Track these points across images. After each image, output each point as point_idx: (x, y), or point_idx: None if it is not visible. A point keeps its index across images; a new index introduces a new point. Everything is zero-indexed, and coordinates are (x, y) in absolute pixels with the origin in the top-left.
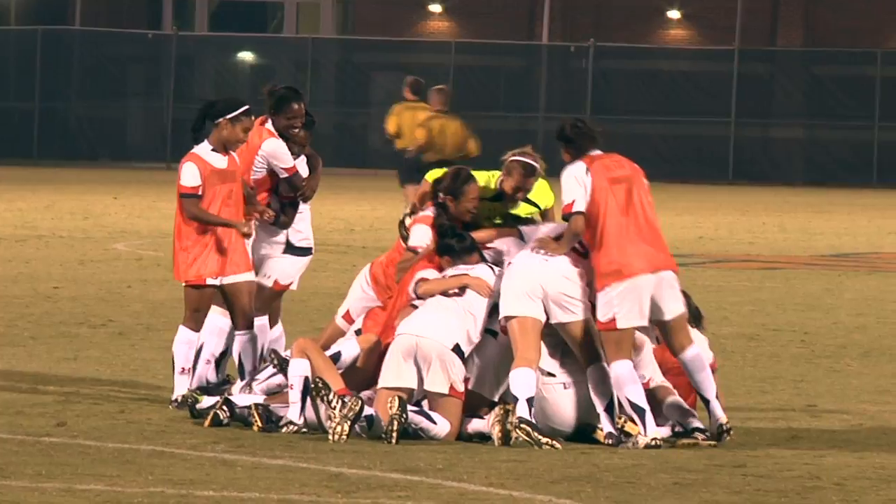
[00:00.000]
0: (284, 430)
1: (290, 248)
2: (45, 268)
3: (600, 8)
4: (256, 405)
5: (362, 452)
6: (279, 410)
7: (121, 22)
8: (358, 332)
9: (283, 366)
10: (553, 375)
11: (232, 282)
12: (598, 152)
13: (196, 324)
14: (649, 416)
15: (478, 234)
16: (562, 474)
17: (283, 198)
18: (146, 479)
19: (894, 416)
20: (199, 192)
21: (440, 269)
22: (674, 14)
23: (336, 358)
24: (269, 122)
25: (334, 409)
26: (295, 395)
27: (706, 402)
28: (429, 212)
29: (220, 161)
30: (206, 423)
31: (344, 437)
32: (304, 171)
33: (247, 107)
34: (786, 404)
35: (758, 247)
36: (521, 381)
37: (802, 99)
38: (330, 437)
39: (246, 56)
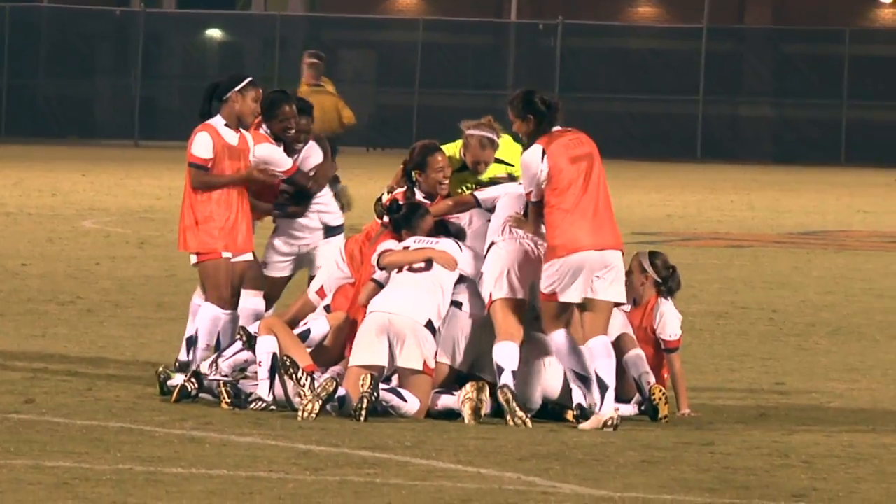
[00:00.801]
0: (253, 406)
1: (329, 231)
2: (13, 245)
3: None
4: (225, 382)
5: (330, 430)
6: (248, 388)
7: None
8: (328, 309)
9: (251, 342)
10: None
11: (235, 260)
12: (557, 128)
13: (221, 301)
14: (602, 391)
15: (435, 208)
16: (530, 451)
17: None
18: (114, 457)
19: (862, 394)
20: (209, 166)
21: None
22: None
23: (305, 335)
24: (263, 126)
25: (303, 385)
26: (263, 372)
27: (604, 388)
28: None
29: (232, 137)
30: (174, 396)
31: (314, 415)
32: (317, 158)
33: (250, 78)
34: (754, 382)
35: (726, 225)
36: (505, 354)
37: (771, 77)
38: (299, 414)
39: (214, 33)
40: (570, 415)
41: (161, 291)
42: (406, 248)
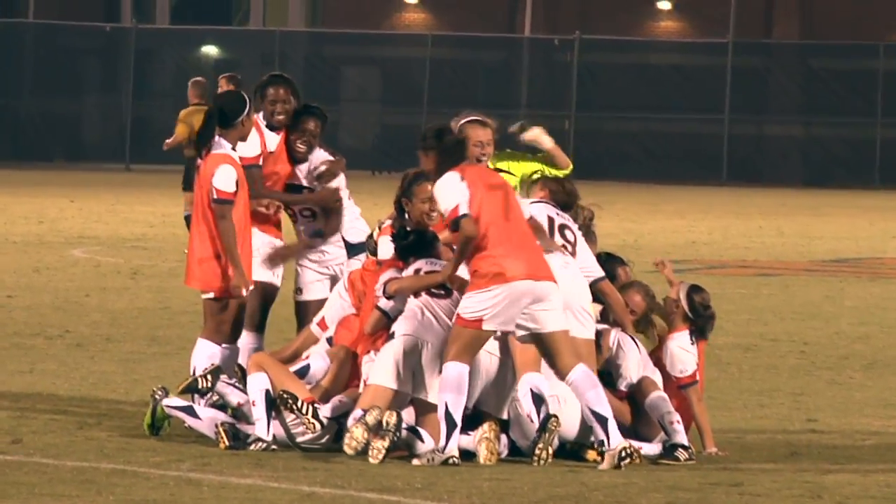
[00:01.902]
0: (252, 447)
1: (350, 249)
2: None
3: None
4: (222, 423)
5: (335, 471)
6: (246, 429)
7: (77, 14)
8: (330, 342)
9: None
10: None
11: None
12: (465, 163)
13: (220, 336)
14: (456, 433)
15: (443, 236)
16: (547, 493)
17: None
18: (106, 500)
19: None
20: (234, 199)
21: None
22: (664, 5)
23: (304, 371)
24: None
25: (306, 414)
26: (259, 410)
27: (603, 420)
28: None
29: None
30: (181, 386)
31: (382, 455)
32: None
33: (250, 102)
34: (784, 419)
35: (754, 252)
36: (538, 383)
37: (800, 94)
38: (370, 457)
39: (210, 50)
40: (591, 455)
41: (155, 325)
42: (417, 270)
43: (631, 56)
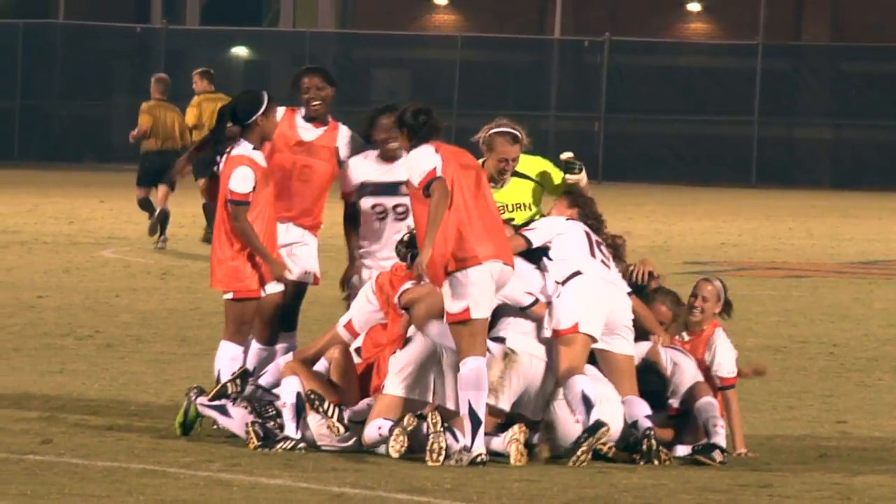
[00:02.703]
0: (281, 446)
1: None
2: (29, 276)
3: (616, 0)
4: (252, 422)
5: (365, 471)
6: (275, 429)
7: (107, 15)
8: (358, 352)
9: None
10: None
11: (268, 293)
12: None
13: (242, 337)
14: (481, 430)
15: None
16: (577, 495)
17: None
18: (137, 500)
19: None
20: (250, 200)
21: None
22: (693, 7)
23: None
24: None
25: (331, 417)
26: (289, 411)
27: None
28: None
29: (262, 160)
30: (211, 394)
31: (442, 456)
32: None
33: (268, 97)
34: (814, 421)
35: (783, 254)
36: (586, 386)
37: (829, 97)
38: (390, 452)
39: (240, 51)
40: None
41: (185, 325)
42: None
43: (660, 58)
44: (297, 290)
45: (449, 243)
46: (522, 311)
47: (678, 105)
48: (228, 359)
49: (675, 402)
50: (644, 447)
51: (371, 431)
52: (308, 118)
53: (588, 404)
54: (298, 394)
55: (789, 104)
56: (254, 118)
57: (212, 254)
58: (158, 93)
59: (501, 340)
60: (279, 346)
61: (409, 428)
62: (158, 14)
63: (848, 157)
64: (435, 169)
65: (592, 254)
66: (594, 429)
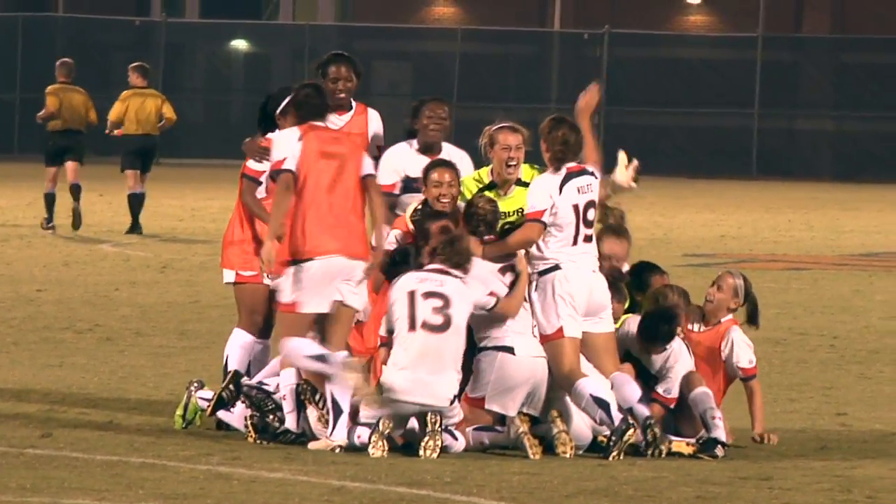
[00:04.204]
0: (282, 439)
1: None
2: (28, 269)
3: None
4: (251, 416)
5: (365, 465)
6: (274, 422)
7: (106, 8)
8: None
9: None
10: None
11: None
12: (321, 124)
13: (254, 326)
14: (343, 419)
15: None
16: (577, 487)
17: None
18: (136, 494)
19: None
20: (262, 179)
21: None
22: None
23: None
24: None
25: (323, 409)
26: (289, 404)
27: (337, 413)
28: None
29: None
30: (210, 408)
31: (438, 451)
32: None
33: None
34: (814, 413)
35: (783, 246)
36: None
37: (830, 88)
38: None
39: (239, 44)
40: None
41: (184, 318)
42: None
43: (660, 50)
44: None
45: (297, 234)
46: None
47: (678, 97)
48: (238, 346)
49: (660, 388)
50: (648, 437)
51: (351, 437)
52: (332, 106)
53: (603, 404)
54: (297, 386)
55: (790, 96)
56: (276, 114)
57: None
58: (63, 76)
59: (510, 350)
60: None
61: (386, 432)
62: (158, 7)
63: (849, 149)
64: (284, 160)
65: (576, 234)
66: (622, 431)
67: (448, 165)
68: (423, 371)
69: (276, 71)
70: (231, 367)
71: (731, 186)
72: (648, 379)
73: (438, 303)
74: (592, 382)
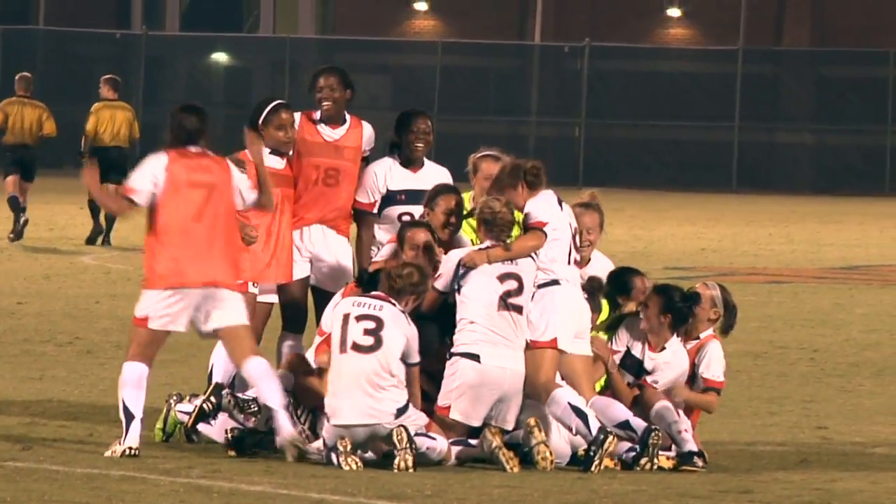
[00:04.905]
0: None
1: None
2: (8, 282)
3: (596, 5)
4: (232, 429)
5: (346, 478)
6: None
7: (87, 21)
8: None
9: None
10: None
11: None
12: (195, 149)
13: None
14: (135, 424)
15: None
16: (558, 500)
17: None
18: None
19: None
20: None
21: None
22: (674, 12)
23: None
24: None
25: (303, 424)
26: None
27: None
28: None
29: (275, 161)
30: (190, 420)
31: (411, 466)
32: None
33: (273, 104)
34: (795, 426)
35: (763, 259)
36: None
37: (810, 102)
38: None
39: (220, 57)
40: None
41: None
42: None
43: (641, 63)
44: (304, 290)
45: (162, 262)
46: (489, 324)
47: (659, 110)
48: (223, 356)
49: (649, 378)
50: (652, 441)
51: (329, 459)
52: (322, 119)
53: (580, 413)
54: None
55: (770, 109)
56: (257, 127)
57: None
58: (21, 90)
59: (476, 357)
60: (286, 345)
61: (348, 448)
62: (139, 20)
63: (830, 162)
64: (133, 188)
65: (569, 256)
66: (601, 441)
67: (455, 192)
68: (359, 394)
69: (257, 84)
70: (216, 376)
71: (711, 199)
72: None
73: (371, 325)
74: (570, 392)
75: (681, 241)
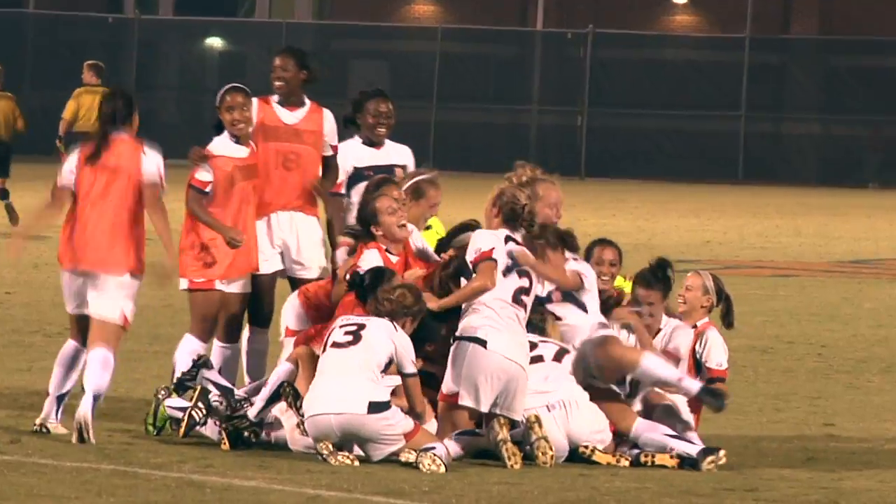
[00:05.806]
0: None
1: None
2: None
3: None
4: (225, 424)
5: (341, 473)
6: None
7: (78, 4)
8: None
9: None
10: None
11: (231, 290)
12: (122, 135)
13: (204, 333)
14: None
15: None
16: (558, 498)
17: None
18: (107, 501)
19: None
20: (207, 189)
21: None
22: None
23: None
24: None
25: (301, 415)
26: (265, 392)
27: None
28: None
29: (240, 152)
30: (182, 430)
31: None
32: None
33: (227, 86)
34: (801, 423)
35: (770, 252)
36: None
37: (818, 91)
38: (507, 463)
39: (214, 42)
40: (601, 457)
41: (157, 322)
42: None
43: (645, 51)
44: (272, 285)
45: (62, 242)
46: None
47: (663, 99)
48: (186, 352)
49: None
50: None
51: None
52: (280, 101)
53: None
54: (283, 383)
55: (777, 99)
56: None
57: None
58: None
59: (482, 342)
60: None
61: (329, 450)
62: (131, 4)
63: (837, 154)
64: (60, 179)
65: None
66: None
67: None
68: (331, 383)
69: (252, 70)
70: (178, 373)
71: (716, 191)
72: None
73: (353, 328)
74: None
75: (685, 234)
